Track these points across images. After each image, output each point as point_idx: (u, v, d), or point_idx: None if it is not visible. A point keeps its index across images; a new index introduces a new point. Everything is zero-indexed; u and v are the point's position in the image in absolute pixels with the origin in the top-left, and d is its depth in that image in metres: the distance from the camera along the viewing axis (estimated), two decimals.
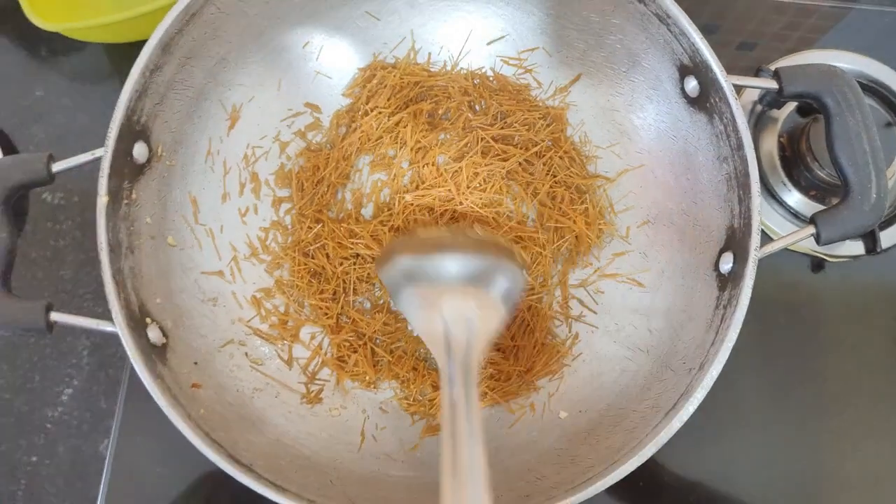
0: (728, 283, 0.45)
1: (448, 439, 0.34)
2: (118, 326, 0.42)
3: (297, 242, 0.55)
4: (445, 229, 0.51)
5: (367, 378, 0.52)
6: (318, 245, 0.54)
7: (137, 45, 0.47)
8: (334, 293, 0.54)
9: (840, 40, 0.65)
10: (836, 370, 0.58)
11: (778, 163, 0.61)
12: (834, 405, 0.57)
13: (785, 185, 0.60)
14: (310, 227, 0.55)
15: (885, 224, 0.60)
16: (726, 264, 0.46)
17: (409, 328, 0.54)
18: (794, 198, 0.60)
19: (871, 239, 0.58)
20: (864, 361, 0.58)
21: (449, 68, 0.58)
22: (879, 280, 0.59)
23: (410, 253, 0.47)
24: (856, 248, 0.59)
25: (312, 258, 0.54)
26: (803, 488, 0.55)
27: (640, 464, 0.40)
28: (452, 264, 0.45)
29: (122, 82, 0.46)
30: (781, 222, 0.60)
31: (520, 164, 0.55)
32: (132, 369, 0.57)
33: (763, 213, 0.59)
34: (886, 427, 0.56)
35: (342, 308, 0.54)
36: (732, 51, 0.66)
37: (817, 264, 0.60)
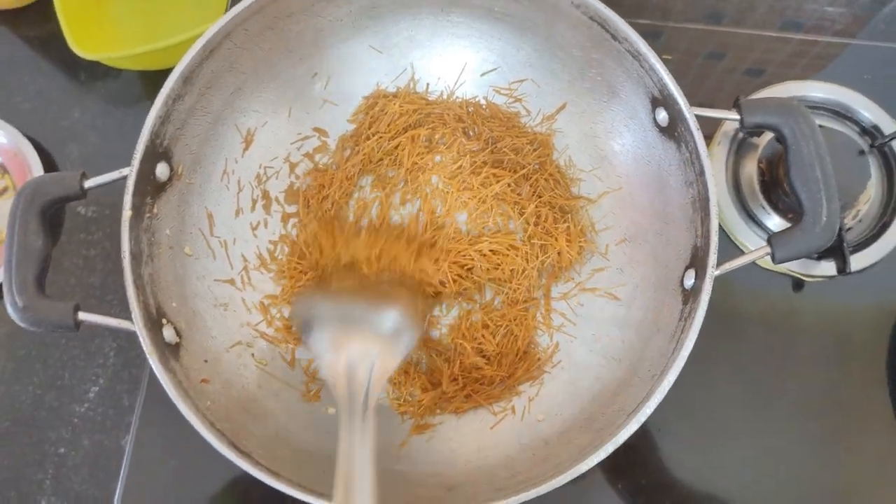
0: (690, 297, 0.48)
1: (343, 464, 0.41)
2: (136, 325, 0.46)
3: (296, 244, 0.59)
4: (359, 281, 0.55)
5: None
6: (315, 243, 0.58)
7: (168, 73, 0.50)
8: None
9: (833, 73, 0.67)
10: (811, 383, 0.60)
11: (757, 187, 0.63)
12: (809, 416, 0.59)
13: (764, 208, 0.63)
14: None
15: (860, 247, 0.62)
16: (689, 280, 0.49)
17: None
18: (773, 220, 0.62)
19: (841, 260, 0.60)
20: (837, 374, 0.60)
21: (445, 97, 0.62)
22: (853, 300, 0.61)
23: (327, 299, 0.52)
24: (830, 269, 0.61)
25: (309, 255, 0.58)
26: (777, 493, 0.57)
27: (599, 461, 0.43)
28: (362, 312, 0.50)
29: None
30: (760, 243, 0.61)
31: (508, 185, 0.59)
32: (152, 370, 0.62)
33: (742, 234, 0.62)
34: (857, 438, 0.58)
35: None
36: (739, 76, 0.68)
37: (797, 284, 0.62)
